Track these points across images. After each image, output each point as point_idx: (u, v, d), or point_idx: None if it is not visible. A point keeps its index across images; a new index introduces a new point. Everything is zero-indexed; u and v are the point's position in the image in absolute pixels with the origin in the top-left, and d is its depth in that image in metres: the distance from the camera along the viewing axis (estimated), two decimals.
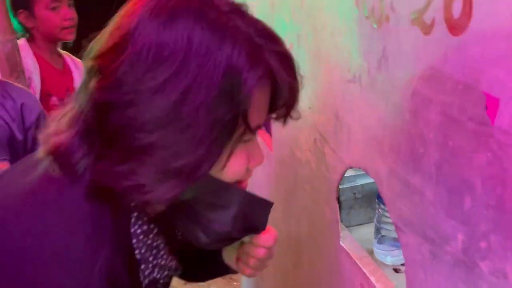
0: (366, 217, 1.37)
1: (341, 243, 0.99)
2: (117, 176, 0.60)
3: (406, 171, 0.67)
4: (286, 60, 0.64)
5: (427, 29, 0.57)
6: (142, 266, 0.70)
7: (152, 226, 0.71)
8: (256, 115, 0.63)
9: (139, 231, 0.69)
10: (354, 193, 1.34)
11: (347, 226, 1.37)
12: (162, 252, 0.75)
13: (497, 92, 0.49)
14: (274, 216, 1.26)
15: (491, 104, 0.49)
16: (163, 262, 0.75)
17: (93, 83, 0.60)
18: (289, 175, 1.23)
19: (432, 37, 0.57)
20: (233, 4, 0.63)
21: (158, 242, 0.73)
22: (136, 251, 0.68)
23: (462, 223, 0.57)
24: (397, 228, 0.72)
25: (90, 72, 0.62)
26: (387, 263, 1.16)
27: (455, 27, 0.53)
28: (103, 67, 0.60)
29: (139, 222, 0.69)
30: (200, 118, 0.58)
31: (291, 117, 0.69)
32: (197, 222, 0.70)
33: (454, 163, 0.57)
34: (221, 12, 0.61)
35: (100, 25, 0.65)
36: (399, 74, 0.65)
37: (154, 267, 0.72)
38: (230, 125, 0.61)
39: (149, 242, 0.70)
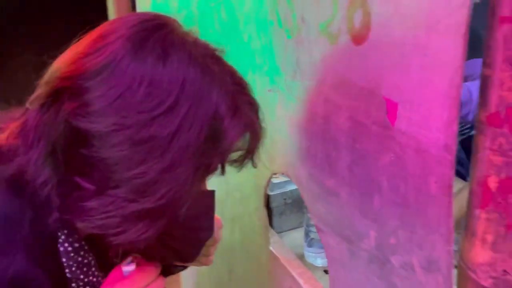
0: (297, 221, 1.41)
1: (270, 248, 1.01)
2: (88, 213, 0.57)
3: (322, 174, 0.70)
4: (256, 110, 0.66)
5: (334, 39, 0.61)
6: (73, 285, 0.69)
7: (83, 243, 0.70)
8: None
9: (70, 248, 0.68)
10: (285, 199, 1.37)
11: (279, 232, 1.40)
12: (93, 269, 0.74)
13: (396, 96, 0.52)
14: None
15: (391, 108, 0.53)
16: (94, 279, 0.75)
17: (66, 107, 0.56)
18: (220, 184, 1.24)
19: (338, 47, 0.60)
20: (211, 48, 0.64)
21: (89, 259, 0.72)
22: (67, 270, 0.67)
23: (373, 221, 0.61)
24: (318, 229, 0.75)
25: (58, 93, 0.58)
26: (317, 265, 1.19)
27: (357, 37, 0.56)
28: (79, 92, 0.56)
29: (70, 240, 0.68)
30: (185, 159, 0.57)
31: (253, 165, 0.71)
32: (182, 238, 0.69)
33: (363, 165, 0.60)
34: (206, 55, 0.61)
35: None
36: (312, 82, 0.69)
37: (85, 285, 0.71)
38: (209, 168, 0.62)
39: (79, 259, 0.69)
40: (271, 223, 1.30)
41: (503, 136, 0.45)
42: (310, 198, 0.75)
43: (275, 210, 1.39)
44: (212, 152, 0.60)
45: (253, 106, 0.65)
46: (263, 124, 0.68)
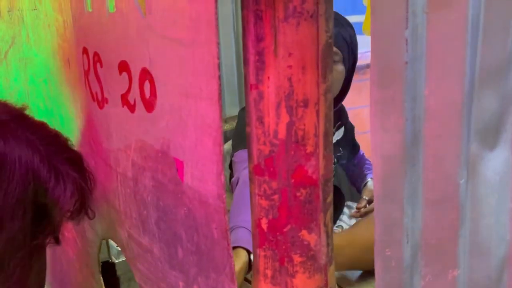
0: None
1: None
2: None
3: (138, 233, 0.74)
4: (78, 164, 0.69)
5: (132, 107, 0.67)
6: None
7: None
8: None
9: None
10: None
11: None
12: None
13: (181, 156, 0.59)
14: None
15: (179, 166, 0.60)
16: None
17: None
18: (60, 255, 1.23)
19: (136, 114, 0.67)
20: (13, 111, 0.66)
21: None
22: None
23: (180, 271, 0.66)
24: (141, 287, 0.78)
25: None
26: None
27: (148, 105, 0.63)
28: None
29: None
30: (14, 248, 0.61)
31: (88, 216, 0.74)
32: None
33: (166, 220, 0.66)
34: (2, 122, 0.63)
35: None
36: (120, 147, 0.74)
37: None
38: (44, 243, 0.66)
39: None
40: None
41: (265, 183, 0.53)
42: (131, 258, 0.79)
43: (122, 277, 1.39)
44: (44, 229, 0.64)
45: (73, 161, 0.68)
46: (90, 175, 0.72)
